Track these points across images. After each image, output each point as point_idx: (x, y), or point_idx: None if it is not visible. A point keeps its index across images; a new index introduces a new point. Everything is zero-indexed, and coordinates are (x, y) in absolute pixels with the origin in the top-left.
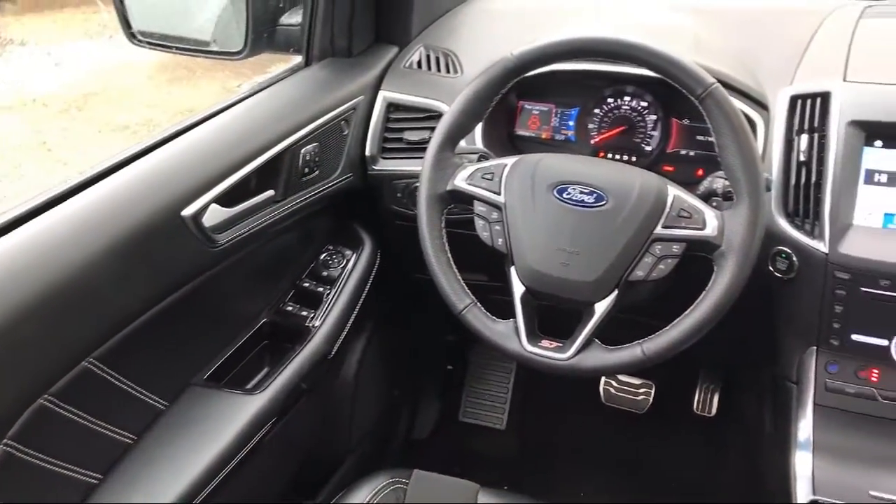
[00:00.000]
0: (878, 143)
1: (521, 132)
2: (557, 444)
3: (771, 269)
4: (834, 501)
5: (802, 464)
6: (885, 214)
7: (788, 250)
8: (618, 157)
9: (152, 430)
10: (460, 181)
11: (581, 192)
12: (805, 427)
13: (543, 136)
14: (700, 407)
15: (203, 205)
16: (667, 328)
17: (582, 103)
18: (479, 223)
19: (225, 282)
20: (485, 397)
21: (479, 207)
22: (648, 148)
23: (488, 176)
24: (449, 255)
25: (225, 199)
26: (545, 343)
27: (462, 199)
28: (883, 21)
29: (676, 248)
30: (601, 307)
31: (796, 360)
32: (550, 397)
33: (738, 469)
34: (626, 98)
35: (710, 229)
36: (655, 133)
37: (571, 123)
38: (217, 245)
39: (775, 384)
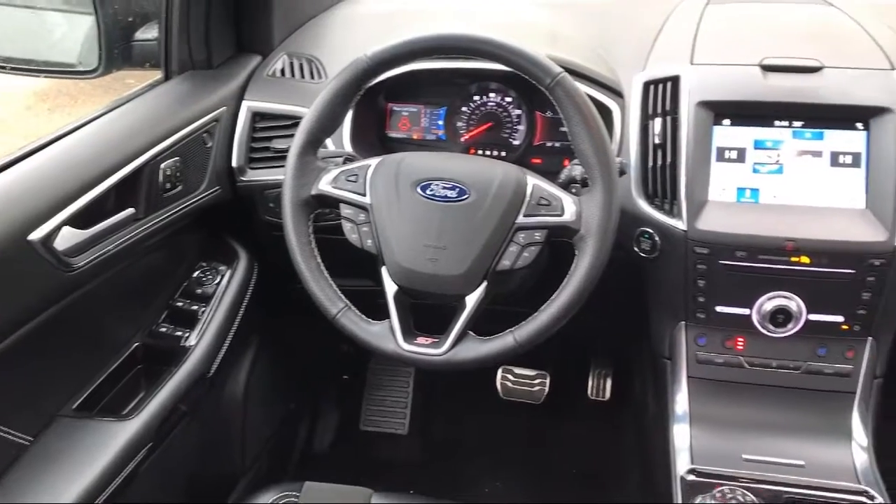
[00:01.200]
0: (726, 121)
1: (392, 134)
2: (460, 442)
3: (636, 249)
4: (710, 469)
5: (681, 436)
6: (738, 189)
7: (651, 230)
8: (487, 152)
9: (15, 468)
10: (325, 185)
11: (444, 188)
12: (681, 400)
13: (415, 136)
14: (595, 392)
15: (54, 227)
16: (535, 314)
17: (449, 102)
18: (346, 226)
19: (89, 306)
20: (385, 404)
21: (345, 210)
22: (516, 142)
23: (353, 178)
24: (319, 260)
25: (80, 220)
26: (421, 340)
27: (328, 203)
28: (728, 6)
29: (538, 236)
30: (472, 300)
31: (668, 336)
32: (451, 397)
33: (632, 449)
34: (492, 95)
35: (569, 215)
36: (521, 127)
37: (441, 123)
38: (73, 269)
39: (653, 362)
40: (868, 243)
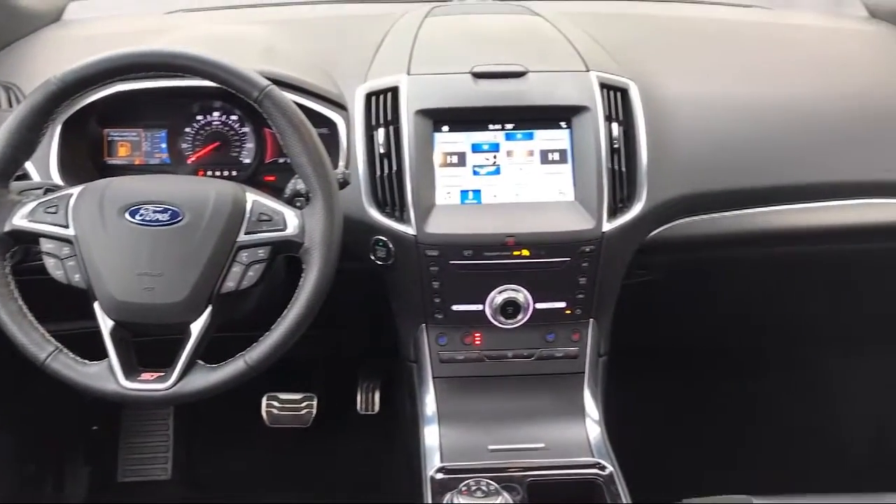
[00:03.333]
0: (445, 127)
1: (112, 161)
2: (229, 478)
3: (373, 258)
4: (458, 465)
5: (431, 436)
6: (461, 192)
7: (384, 238)
8: (217, 173)
9: None
10: (19, 220)
11: (155, 212)
12: (430, 401)
13: (136, 162)
14: (364, 406)
15: None
16: (266, 334)
17: (170, 124)
18: (49, 262)
19: None
20: (144, 450)
21: (46, 245)
22: (246, 160)
23: (52, 209)
24: (21, 303)
25: None
26: (146, 376)
27: (25, 239)
28: (445, 18)
29: (262, 253)
30: (198, 327)
31: (412, 339)
32: (215, 432)
33: (402, 458)
34: (216, 113)
35: (292, 229)
36: (250, 145)
37: (164, 146)
38: None
39: (402, 367)
40: (578, 232)
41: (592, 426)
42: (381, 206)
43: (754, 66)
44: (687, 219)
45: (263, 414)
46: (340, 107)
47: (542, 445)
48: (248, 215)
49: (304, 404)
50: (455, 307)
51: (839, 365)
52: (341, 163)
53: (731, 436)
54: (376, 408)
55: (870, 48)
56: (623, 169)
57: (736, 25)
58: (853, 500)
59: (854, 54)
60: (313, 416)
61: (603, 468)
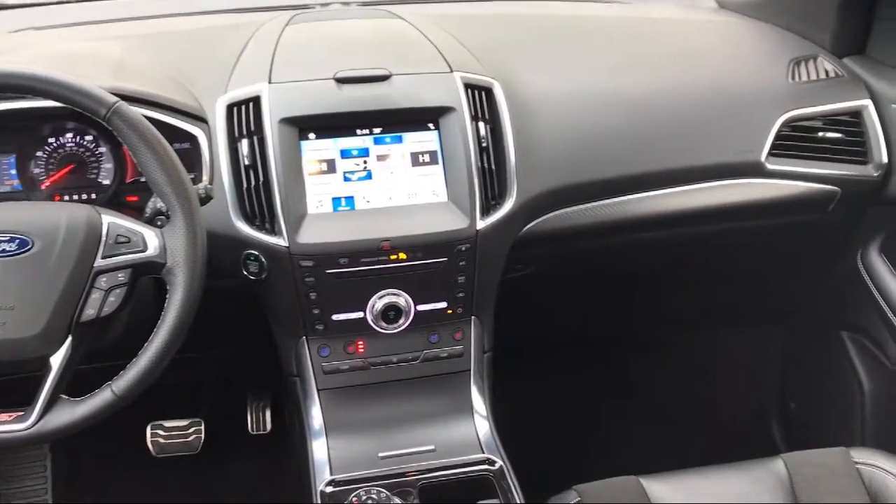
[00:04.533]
0: (312, 135)
1: None
2: None
3: (246, 273)
4: (348, 476)
5: (319, 450)
6: (333, 199)
7: (256, 252)
8: (76, 196)
9: None
10: None
11: (0, 242)
12: (316, 415)
13: None
14: (255, 427)
15: None
16: (133, 361)
17: (18, 149)
18: None
19: None
20: (19, 495)
21: None
22: (106, 182)
23: None
24: None
25: None
26: (2, 417)
27: None
28: (307, 24)
29: (123, 276)
30: (58, 359)
31: (293, 354)
32: (98, 468)
33: (294, 476)
34: (69, 135)
35: (153, 249)
36: (109, 165)
37: (13, 172)
38: None
39: (286, 383)
40: (453, 231)
41: (481, 422)
42: (249, 219)
43: (615, 60)
44: (558, 211)
45: (149, 444)
46: (201, 120)
47: (431, 447)
48: (104, 238)
49: (191, 430)
50: (335, 317)
51: (712, 343)
52: (205, 177)
53: (618, 419)
54: (268, 427)
55: (720, 38)
56: (493, 167)
57: (597, 21)
58: (732, 470)
59: (707, 44)
60: (202, 441)
61: (493, 463)
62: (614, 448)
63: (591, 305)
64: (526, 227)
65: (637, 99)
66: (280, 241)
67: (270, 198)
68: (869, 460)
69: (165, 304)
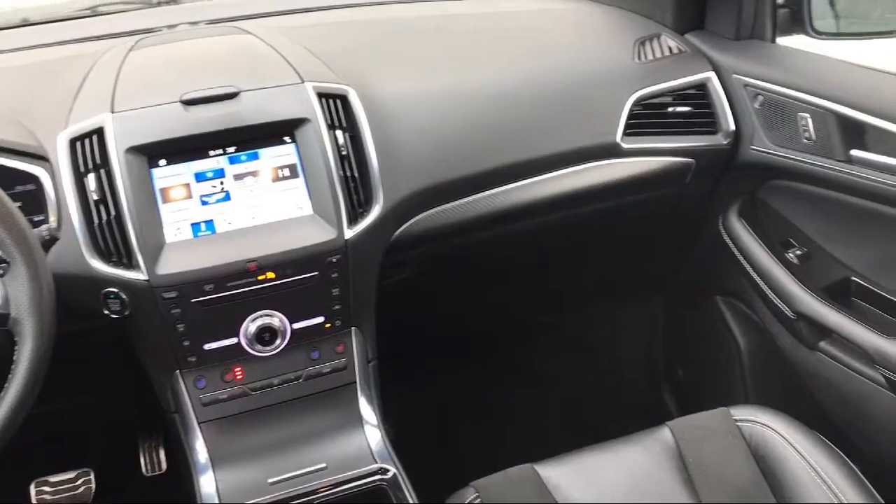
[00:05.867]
0: (163, 161)
1: None
2: None
3: (107, 312)
4: None
5: (207, 484)
6: (193, 225)
7: (115, 289)
8: None
9: None
10: None
11: None
12: (200, 449)
13: None
14: (149, 468)
15: None
16: None
17: None
18: None
19: None
20: None
21: None
22: None
23: None
24: None
25: None
26: None
27: None
28: (150, 49)
29: None
30: None
31: (168, 389)
32: None
33: None
34: None
35: None
36: None
37: None
38: None
39: (164, 420)
40: (321, 244)
41: (372, 432)
42: (104, 255)
43: (471, 56)
44: (429, 211)
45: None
46: (41, 158)
47: (323, 465)
48: None
49: (80, 481)
50: (207, 346)
51: (600, 321)
52: (52, 217)
53: (518, 408)
54: (163, 466)
55: (567, 24)
56: (356, 174)
57: (451, 19)
58: (624, 444)
59: (555, 31)
60: (93, 491)
61: (385, 472)
62: (515, 437)
63: (478, 300)
64: (397, 231)
65: (493, 92)
66: (139, 275)
67: (124, 231)
68: (748, 417)
69: (14, 357)
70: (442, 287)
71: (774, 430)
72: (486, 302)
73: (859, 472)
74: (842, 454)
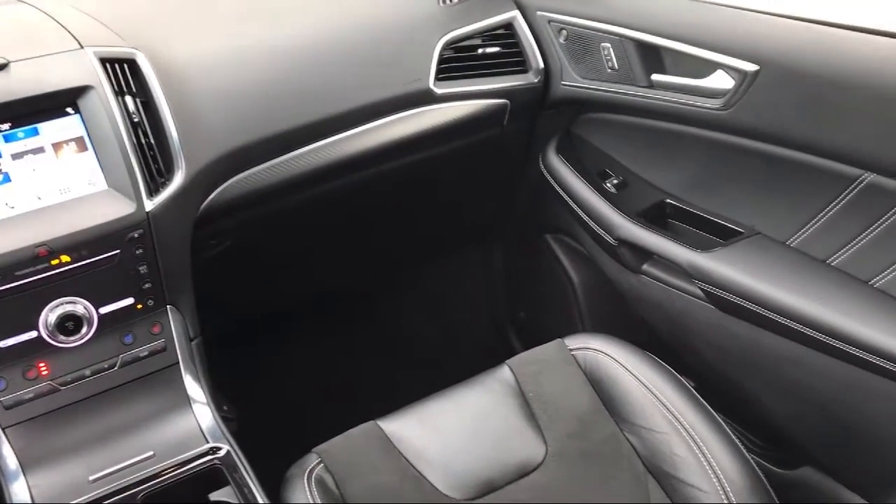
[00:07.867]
0: None
1: None
2: None
3: None
4: None
5: (19, 492)
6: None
7: None
8: None
9: None
10: None
11: None
12: (8, 455)
13: None
14: None
15: None
16: None
17: None
18: None
19: None
20: None
21: None
22: None
23: None
24: None
25: None
26: None
27: None
28: None
29: None
30: None
31: None
32: None
33: None
34: None
35: None
36: None
37: None
38: None
39: None
40: (119, 219)
41: (202, 411)
42: None
43: (268, 14)
44: (238, 176)
45: None
46: None
47: (150, 453)
48: None
49: None
50: (2, 343)
51: (444, 272)
52: None
53: (362, 373)
54: None
55: None
56: (152, 142)
57: None
58: (466, 388)
59: None
60: None
61: (218, 451)
62: (367, 401)
63: (310, 266)
64: (207, 200)
65: (293, 48)
66: None
67: None
68: (582, 345)
69: None
70: (268, 256)
71: (607, 355)
72: (319, 268)
73: (689, 386)
74: (672, 370)
